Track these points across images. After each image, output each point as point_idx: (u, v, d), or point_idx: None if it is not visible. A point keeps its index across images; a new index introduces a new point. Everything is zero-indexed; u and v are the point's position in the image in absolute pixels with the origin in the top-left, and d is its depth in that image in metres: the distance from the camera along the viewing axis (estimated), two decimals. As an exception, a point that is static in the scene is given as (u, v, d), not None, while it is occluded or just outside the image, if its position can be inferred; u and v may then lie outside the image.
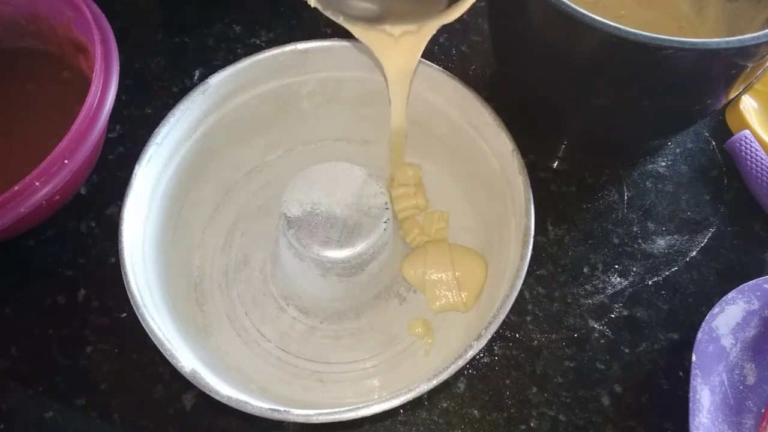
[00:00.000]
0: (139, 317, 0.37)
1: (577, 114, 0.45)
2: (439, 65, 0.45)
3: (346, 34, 0.41)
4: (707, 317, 0.40)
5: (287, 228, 0.40)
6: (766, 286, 0.41)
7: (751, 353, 0.40)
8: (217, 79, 0.44)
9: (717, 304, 0.41)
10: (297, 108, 0.47)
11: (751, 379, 0.40)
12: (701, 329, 0.40)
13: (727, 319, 0.40)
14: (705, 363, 0.39)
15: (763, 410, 0.39)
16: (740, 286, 0.41)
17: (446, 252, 0.43)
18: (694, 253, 0.47)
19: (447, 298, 0.42)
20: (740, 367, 0.40)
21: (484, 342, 0.36)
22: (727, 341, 0.40)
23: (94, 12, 0.45)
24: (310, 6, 0.39)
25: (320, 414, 0.35)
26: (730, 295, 0.41)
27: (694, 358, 0.39)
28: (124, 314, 0.44)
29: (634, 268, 0.46)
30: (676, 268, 0.46)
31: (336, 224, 0.40)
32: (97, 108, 0.41)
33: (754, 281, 0.41)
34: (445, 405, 0.42)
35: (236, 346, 0.43)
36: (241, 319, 0.44)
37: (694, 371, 0.38)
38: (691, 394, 0.38)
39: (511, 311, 0.38)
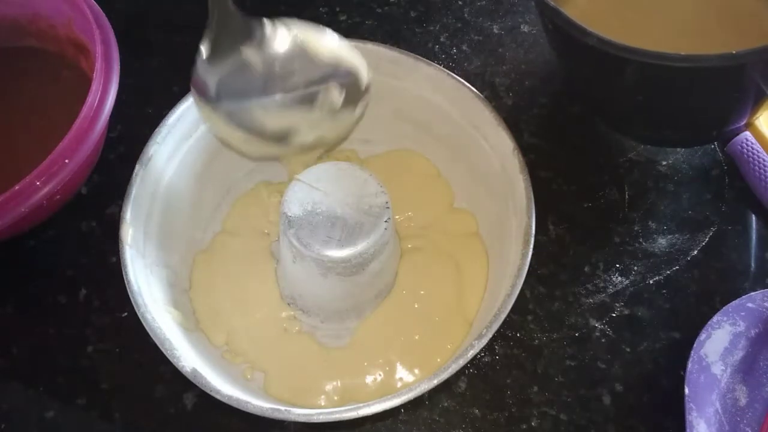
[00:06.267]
0: (139, 317, 0.38)
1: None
2: (440, 64, 0.45)
3: (346, 34, 0.41)
4: (695, 345, 0.39)
5: (288, 227, 0.40)
6: (750, 305, 0.41)
7: (741, 375, 0.40)
8: (217, 79, 0.44)
9: (703, 330, 0.40)
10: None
11: (743, 401, 0.39)
12: (690, 359, 0.39)
13: (715, 345, 0.40)
14: (698, 395, 0.38)
15: (758, 430, 0.39)
16: (724, 308, 0.41)
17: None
18: (696, 252, 0.47)
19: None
20: (732, 390, 0.39)
21: (485, 341, 0.36)
22: (717, 368, 0.39)
23: (94, 11, 0.45)
24: (310, 7, 0.42)
25: (321, 413, 0.35)
26: (714, 318, 0.40)
27: (686, 390, 0.38)
28: (125, 314, 0.44)
29: (635, 267, 0.46)
30: (677, 267, 0.46)
31: (337, 224, 0.40)
32: (97, 107, 0.41)
33: (737, 301, 0.41)
34: (446, 404, 0.42)
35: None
36: (242, 319, 0.44)
37: (689, 405, 0.38)
38: (687, 429, 0.37)
39: (512, 310, 0.38)
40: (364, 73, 0.40)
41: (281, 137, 0.39)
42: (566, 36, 0.39)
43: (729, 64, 0.36)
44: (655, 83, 0.40)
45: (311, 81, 0.38)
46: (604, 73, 0.42)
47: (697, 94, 0.40)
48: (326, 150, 0.44)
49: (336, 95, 0.39)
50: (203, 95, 0.38)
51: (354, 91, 0.40)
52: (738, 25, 0.44)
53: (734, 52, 0.35)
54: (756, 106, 0.42)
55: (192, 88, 0.38)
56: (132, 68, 0.46)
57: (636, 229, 0.48)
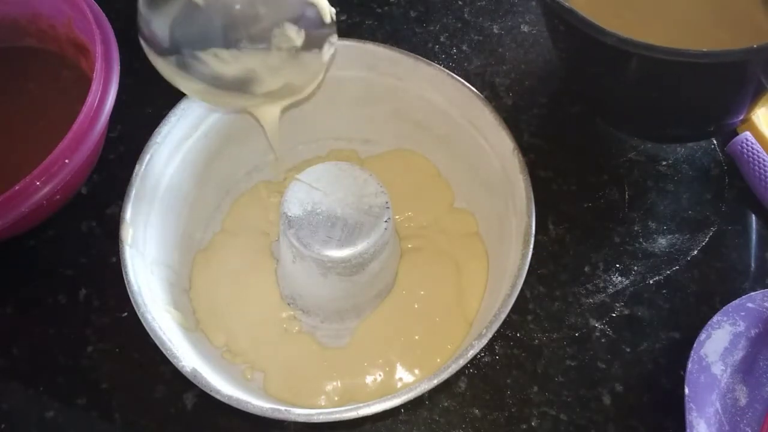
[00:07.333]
0: (139, 316, 0.38)
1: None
2: (440, 64, 0.45)
3: (346, 34, 0.41)
4: (695, 345, 0.39)
5: (288, 227, 0.40)
6: (749, 305, 0.41)
7: (741, 375, 0.40)
8: (217, 79, 0.44)
9: (703, 330, 0.40)
10: (297, 107, 0.47)
11: (743, 401, 0.39)
12: (690, 358, 0.39)
13: (715, 344, 0.40)
14: (698, 395, 0.38)
15: (758, 430, 0.39)
16: (724, 308, 0.41)
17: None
18: (695, 252, 0.47)
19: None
20: (732, 390, 0.39)
21: (485, 341, 0.36)
22: (717, 368, 0.39)
23: (94, 11, 0.45)
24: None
25: (321, 413, 0.35)
26: (714, 318, 0.40)
27: (687, 390, 0.38)
28: (125, 314, 0.44)
29: (635, 267, 0.46)
30: (677, 267, 0.46)
31: (337, 223, 0.40)
32: (97, 107, 0.41)
33: (737, 301, 0.41)
34: (446, 404, 0.42)
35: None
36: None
37: (689, 405, 0.38)
38: (687, 429, 0.37)
39: (512, 310, 0.38)
40: (326, 6, 0.36)
41: (242, 85, 0.37)
42: (579, 35, 0.39)
43: (748, 58, 0.36)
44: (666, 80, 0.40)
45: (263, 19, 0.35)
46: (613, 71, 0.42)
47: (705, 90, 0.41)
48: (298, 98, 0.41)
49: (293, 33, 0.35)
50: (153, 46, 0.35)
51: (316, 29, 0.36)
52: (733, 24, 0.45)
53: (755, 45, 0.35)
54: (754, 101, 0.42)
55: (141, 40, 0.35)
56: (132, 68, 0.46)
57: (636, 229, 0.48)
